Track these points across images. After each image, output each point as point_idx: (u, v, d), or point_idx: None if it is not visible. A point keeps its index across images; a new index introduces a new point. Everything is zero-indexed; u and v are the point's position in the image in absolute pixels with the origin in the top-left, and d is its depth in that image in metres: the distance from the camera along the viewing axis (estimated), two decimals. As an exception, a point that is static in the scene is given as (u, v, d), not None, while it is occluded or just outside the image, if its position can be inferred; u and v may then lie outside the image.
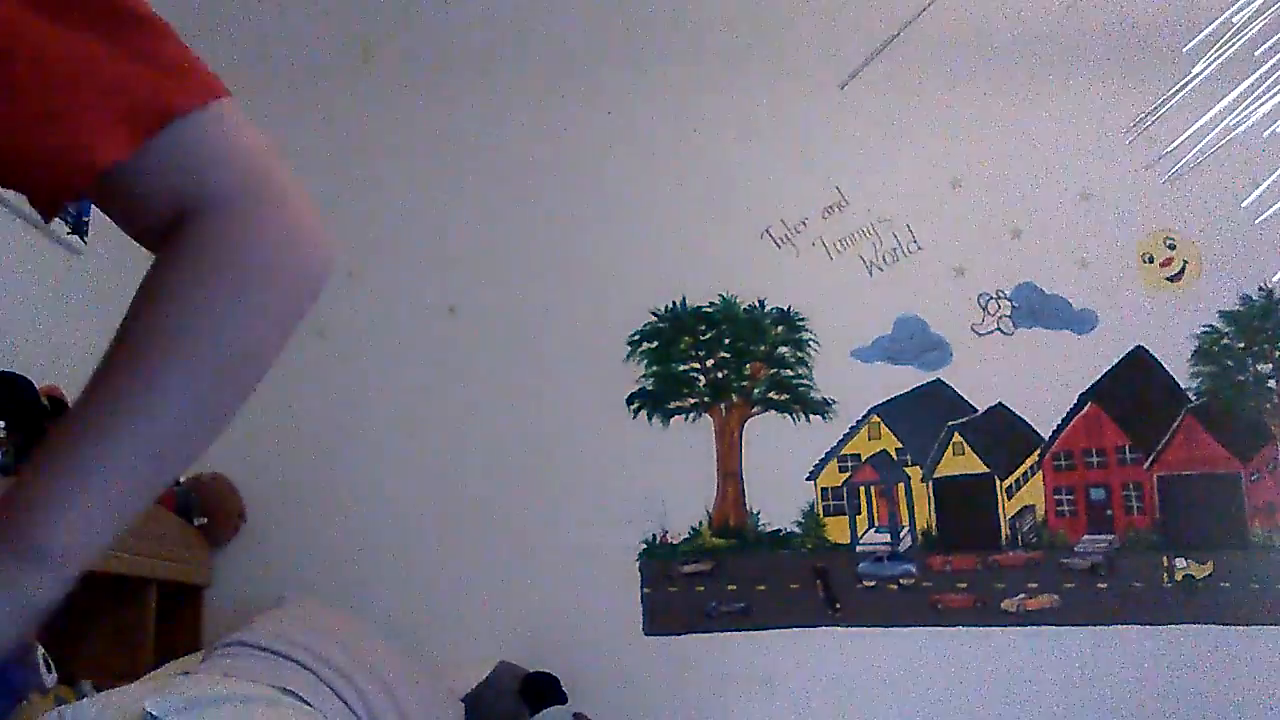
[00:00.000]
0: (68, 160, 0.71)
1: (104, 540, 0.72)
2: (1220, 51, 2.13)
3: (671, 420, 3.19)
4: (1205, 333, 3.20)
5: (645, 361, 3.22)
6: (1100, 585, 3.08)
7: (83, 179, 0.72)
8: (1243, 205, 2.58)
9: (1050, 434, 3.16)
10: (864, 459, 3.17)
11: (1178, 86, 2.30)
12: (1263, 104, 2.15)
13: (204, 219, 0.73)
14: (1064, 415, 3.16)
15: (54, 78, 0.71)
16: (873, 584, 3.11)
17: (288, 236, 0.75)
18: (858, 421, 3.19)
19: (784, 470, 3.16)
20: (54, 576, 0.71)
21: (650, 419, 3.19)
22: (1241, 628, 3.03)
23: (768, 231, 3.28)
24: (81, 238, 2.64)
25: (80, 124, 0.71)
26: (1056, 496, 3.14)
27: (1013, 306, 3.24)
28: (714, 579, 3.11)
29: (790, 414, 3.20)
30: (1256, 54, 2.15)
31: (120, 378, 0.72)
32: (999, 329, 3.23)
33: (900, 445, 3.18)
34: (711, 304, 3.24)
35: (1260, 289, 3.21)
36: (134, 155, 0.71)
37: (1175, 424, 3.16)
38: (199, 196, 0.73)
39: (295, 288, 0.75)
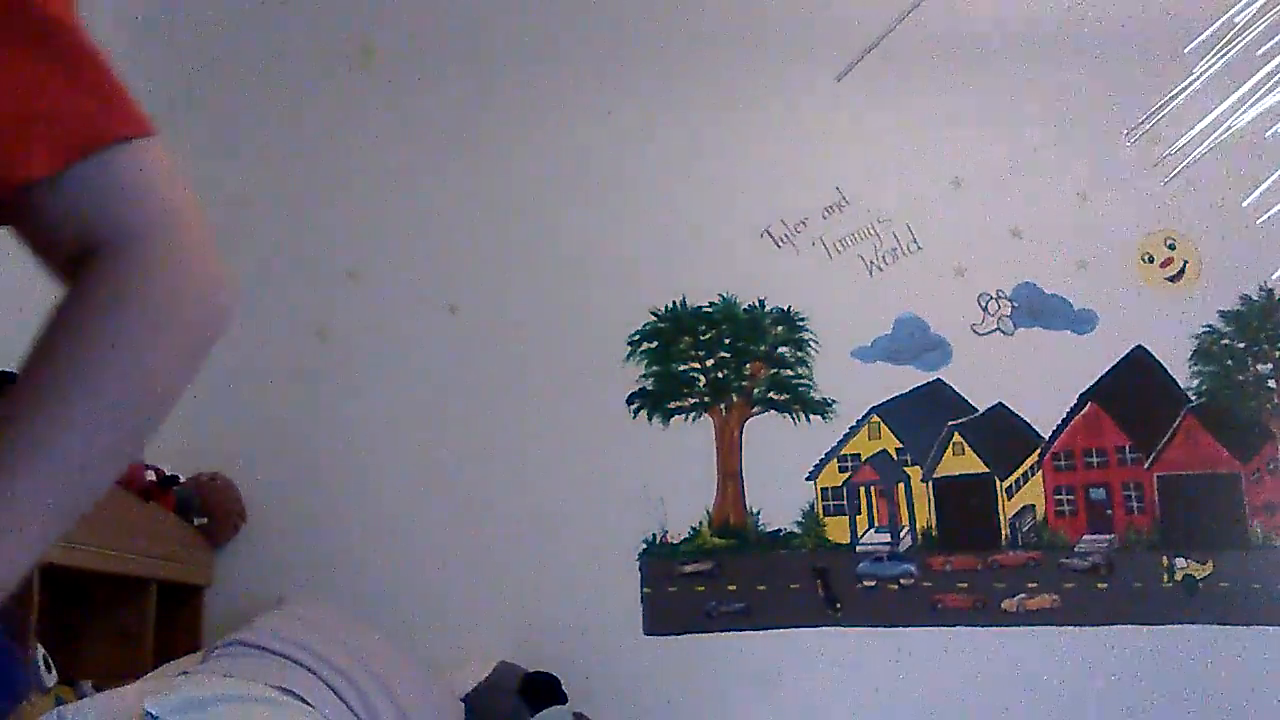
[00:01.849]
0: None
1: (21, 569, 0.71)
2: (1222, 52, 2.13)
3: (671, 420, 3.19)
4: (1205, 333, 3.20)
5: (645, 361, 3.21)
6: (1100, 585, 3.08)
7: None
8: (1243, 205, 2.58)
9: (1050, 434, 3.16)
10: (864, 459, 3.17)
11: (1179, 87, 2.30)
12: (1264, 104, 2.15)
13: (116, 253, 0.73)
14: (1064, 415, 3.17)
15: None
16: (873, 584, 3.11)
17: (196, 275, 0.76)
18: (858, 421, 3.19)
19: (784, 470, 3.16)
20: None
21: (650, 419, 3.19)
22: (1241, 628, 3.03)
23: (768, 231, 3.27)
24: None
25: (6, 138, 0.70)
26: (1056, 496, 3.14)
27: (1013, 306, 3.24)
28: (714, 579, 3.11)
29: (790, 414, 3.20)
30: (1258, 54, 2.15)
31: (30, 411, 0.71)
32: (999, 329, 3.23)
33: (900, 445, 3.17)
34: (711, 304, 3.24)
35: (1260, 289, 3.21)
36: (55, 175, 0.71)
37: (1175, 424, 3.16)
38: (113, 228, 0.73)
39: (201, 325, 0.76)
